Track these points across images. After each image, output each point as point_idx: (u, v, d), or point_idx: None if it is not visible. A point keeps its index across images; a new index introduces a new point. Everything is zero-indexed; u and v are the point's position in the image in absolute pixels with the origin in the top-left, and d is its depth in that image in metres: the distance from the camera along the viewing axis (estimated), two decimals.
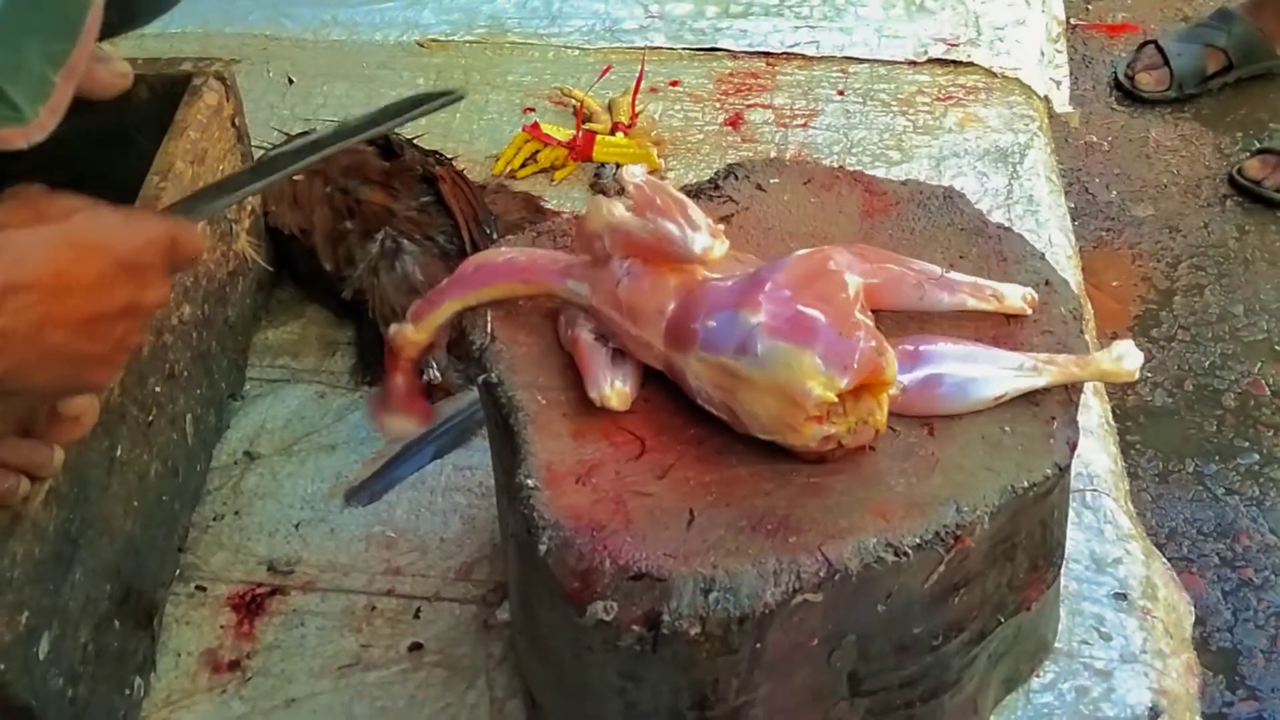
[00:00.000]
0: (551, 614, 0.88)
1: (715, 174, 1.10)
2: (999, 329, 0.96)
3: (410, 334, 0.98)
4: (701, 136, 1.60)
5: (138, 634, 1.05)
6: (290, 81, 1.67)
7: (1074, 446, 0.90)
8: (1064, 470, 0.90)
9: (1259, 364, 2.15)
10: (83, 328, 0.76)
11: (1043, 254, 1.03)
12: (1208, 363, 2.15)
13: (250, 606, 1.13)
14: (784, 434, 0.85)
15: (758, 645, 0.82)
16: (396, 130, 1.45)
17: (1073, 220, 1.57)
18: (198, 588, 1.14)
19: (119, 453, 1.01)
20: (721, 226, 0.90)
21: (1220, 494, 1.95)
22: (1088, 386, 1.21)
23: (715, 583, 0.80)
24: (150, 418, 1.07)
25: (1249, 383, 2.12)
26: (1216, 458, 2.00)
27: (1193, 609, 1.17)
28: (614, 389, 0.89)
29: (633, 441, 0.89)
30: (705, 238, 0.88)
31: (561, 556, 0.82)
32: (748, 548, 0.81)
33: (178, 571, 1.14)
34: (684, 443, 0.89)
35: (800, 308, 0.84)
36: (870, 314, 0.86)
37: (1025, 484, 0.86)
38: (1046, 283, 1.00)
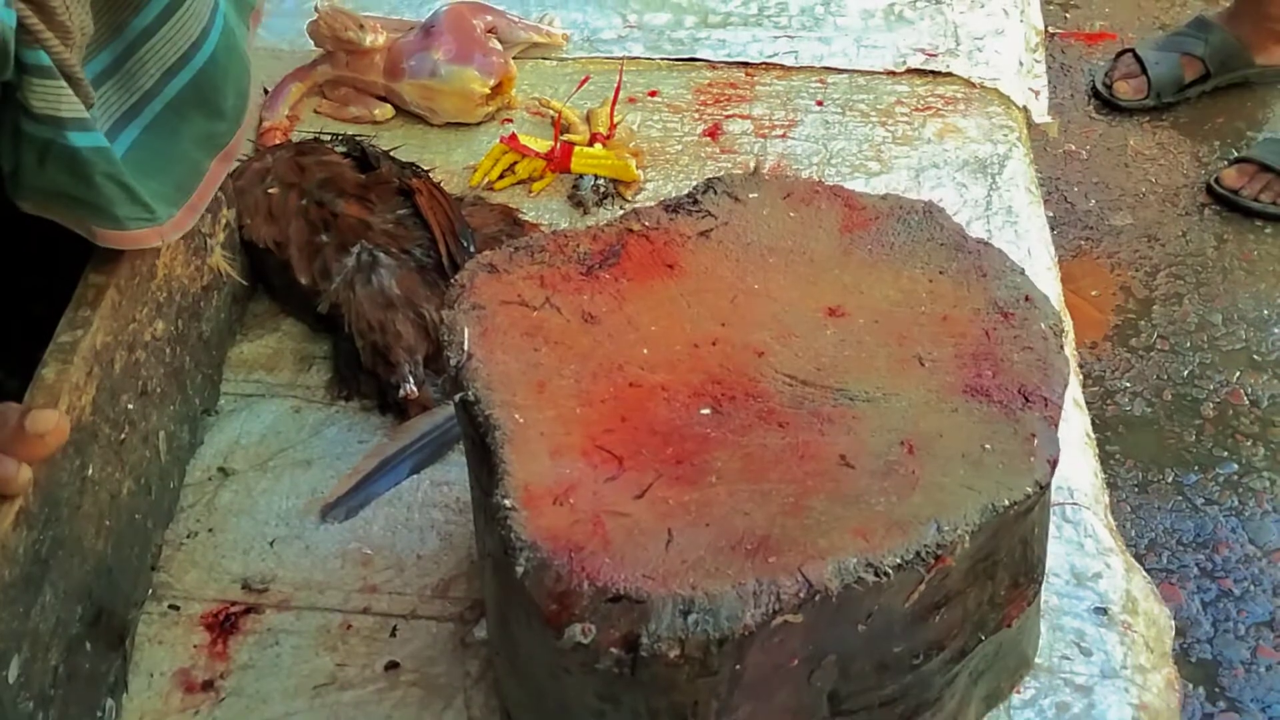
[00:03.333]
0: (529, 635, 0.88)
1: (694, 188, 1.09)
2: (979, 346, 0.96)
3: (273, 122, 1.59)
4: (680, 147, 1.60)
5: (109, 655, 1.04)
6: (265, 92, 1.65)
7: (1055, 464, 0.90)
8: (1045, 488, 0.89)
9: (1237, 373, 2.15)
10: None
11: (1023, 269, 1.03)
12: (1186, 372, 2.16)
13: (224, 625, 1.11)
14: (464, 117, 1.61)
15: (737, 667, 0.81)
16: (372, 142, 1.45)
17: (1052, 230, 1.57)
18: (171, 607, 1.12)
19: (90, 471, 1.00)
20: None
21: (1200, 504, 1.95)
22: (1068, 399, 1.21)
23: (694, 604, 0.79)
24: (122, 435, 1.06)
25: (1228, 392, 2.12)
26: (1196, 468, 2.00)
27: (1173, 623, 1.17)
28: None
29: (610, 460, 0.88)
30: (369, 34, 1.60)
31: (539, 578, 0.81)
32: (727, 568, 0.81)
33: (150, 591, 1.13)
34: (662, 462, 0.88)
35: (459, 43, 1.58)
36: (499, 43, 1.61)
37: (1006, 502, 0.86)
38: (1027, 298, 0.99)
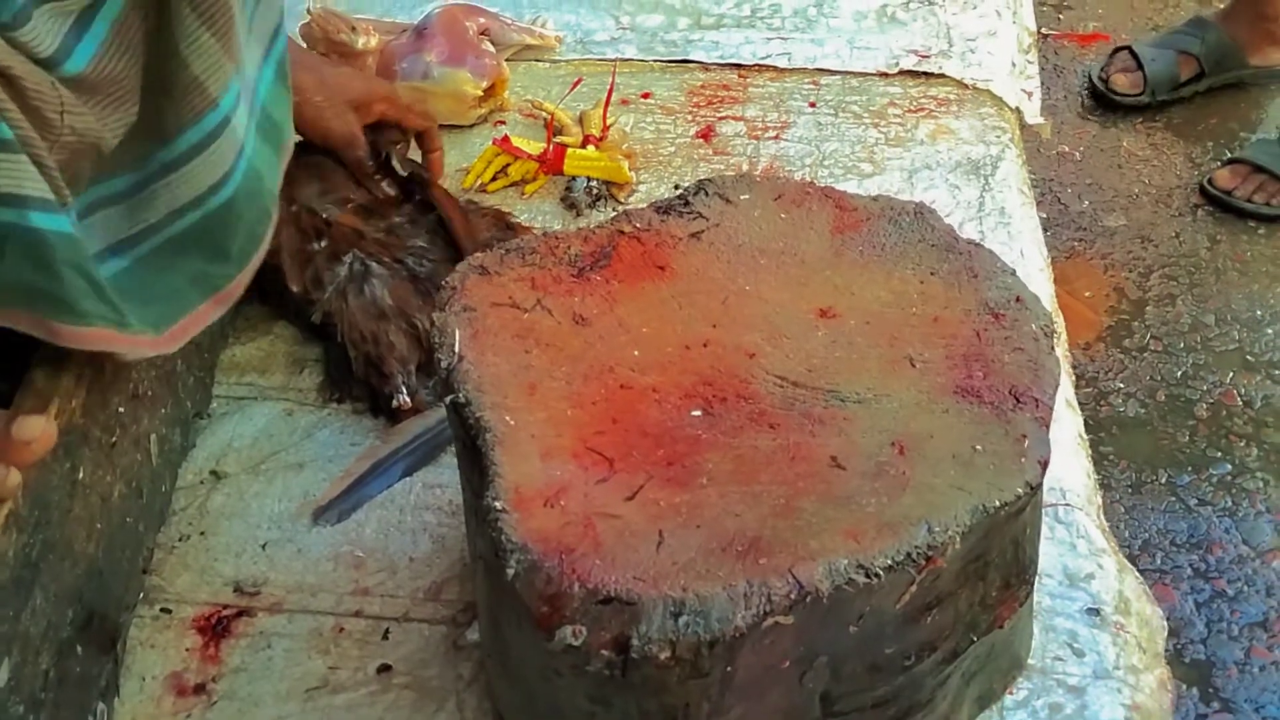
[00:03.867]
0: (520, 637, 0.88)
1: (685, 190, 1.09)
2: (970, 347, 0.96)
3: None
4: (673, 149, 1.60)
5: (101, 659, 1.04)
6: None
7: (1046, 464, 0.90)
8: (1036, 489, 0.89)
9: (1231, 374, 2.15)
10: None
11: (1014, 270, 1.03)
12: (1180, 373, 2.16)
13: (216, 629, 1.11)
14: (457, 119, 1.60)
15: (729, 668, 0.81)
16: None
17: (1045, 231, 1.57)
18: (162, 610, 1.12)
19: (81, 475, 1.00)
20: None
21: (1193, 505, 1.95)
22: (1061, 400, 1.21)
23: (685, 606, 0.79)
24: (113, 439, 1.06)
25: (1221, 393, 2.12)
26: (1189, 468, 2.00)
27: (1166, 623, 1.17)
28: None
29: (601, 462, 0.88)
30: (362, 37, 1.58)
31: (530, 580, 0.81)
32: (718, 570, 0.81)
33: (142, 594, 1.13)
34: (653, 463, 0.88)
35: (452, 46, 1.58)
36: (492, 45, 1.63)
37: (997, 503, 0.86)
38: (1018, 299, 0.99)
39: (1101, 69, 2.74)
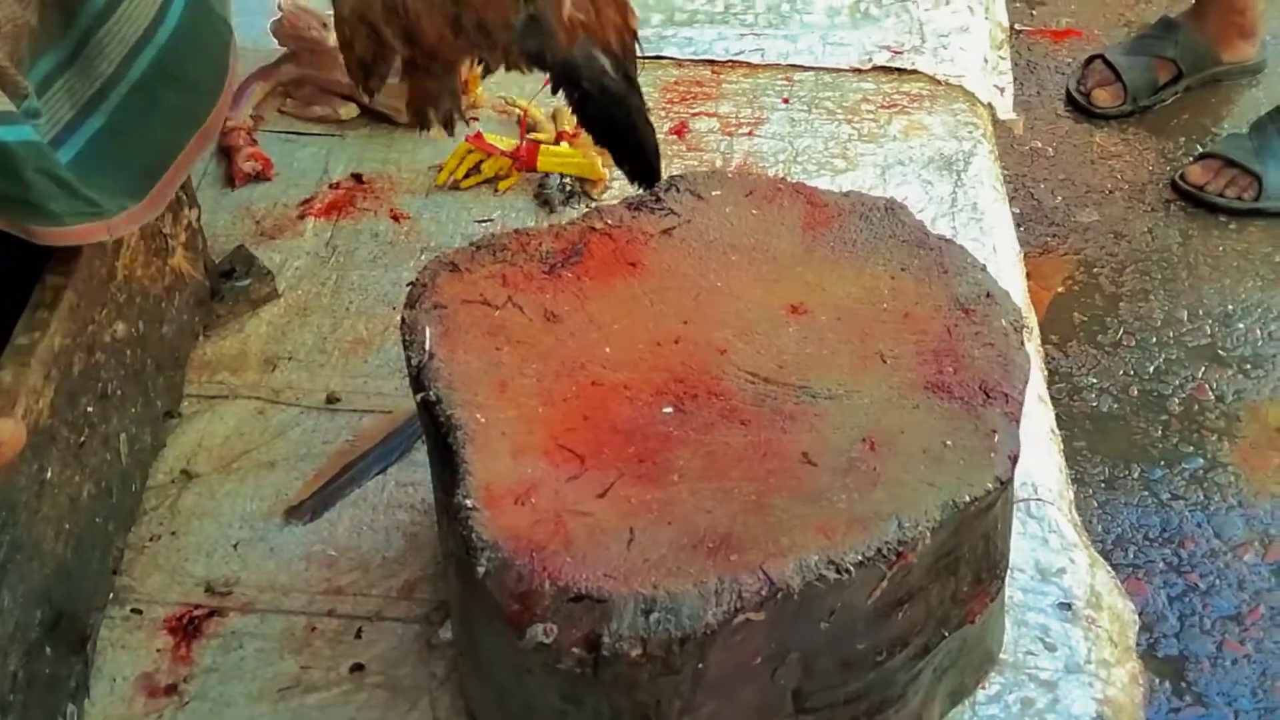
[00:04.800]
0: (492, 635, 0.87)
1: (656, 186, 1.09)
2: (940, 342, 0.96)
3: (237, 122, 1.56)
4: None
5: (70, 660, 1.03)
6: None
7: (1015, 459, 0.90)
8: (1006, 484, 0.89)
9: (1203, 368, 2.17)
10: None
11: (984, 265, 1.03)
12: (1153, 368, 2.17)
13: (187, 629, 1.11)
14: None
15: (700, 665, 0.81)
16: None
17: (1018, 226, 1.58)
18: (133, 611, 1.12)
19: (49, 475, 0.99)
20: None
21: (1166, 499, 1.96)
22: (1033, 394, 1.21)
23: (656, 603, 0.79)
24: (82, 439, 1.05)
25: (1193, 387, 2.14)
26: (1162, 463, 2.01)
27: (1137, 618, 1.17)
28: None
29: (572, 460, 0.88)
30: (332, 34, 1.44)
31: (500, 578, 0.80)
32: (689, 567, 0.81)
33: (112, 595, 1.12)
34: (624, 460, 0.88)
35: None
36: None
37: (967, 498, 0.86)
38: (988, 294, 1.00)
39: (1079, 82, 2.75)
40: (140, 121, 1.01)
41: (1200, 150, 2.62)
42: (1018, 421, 0.92)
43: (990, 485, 0.87)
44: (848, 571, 0.82)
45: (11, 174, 0.91)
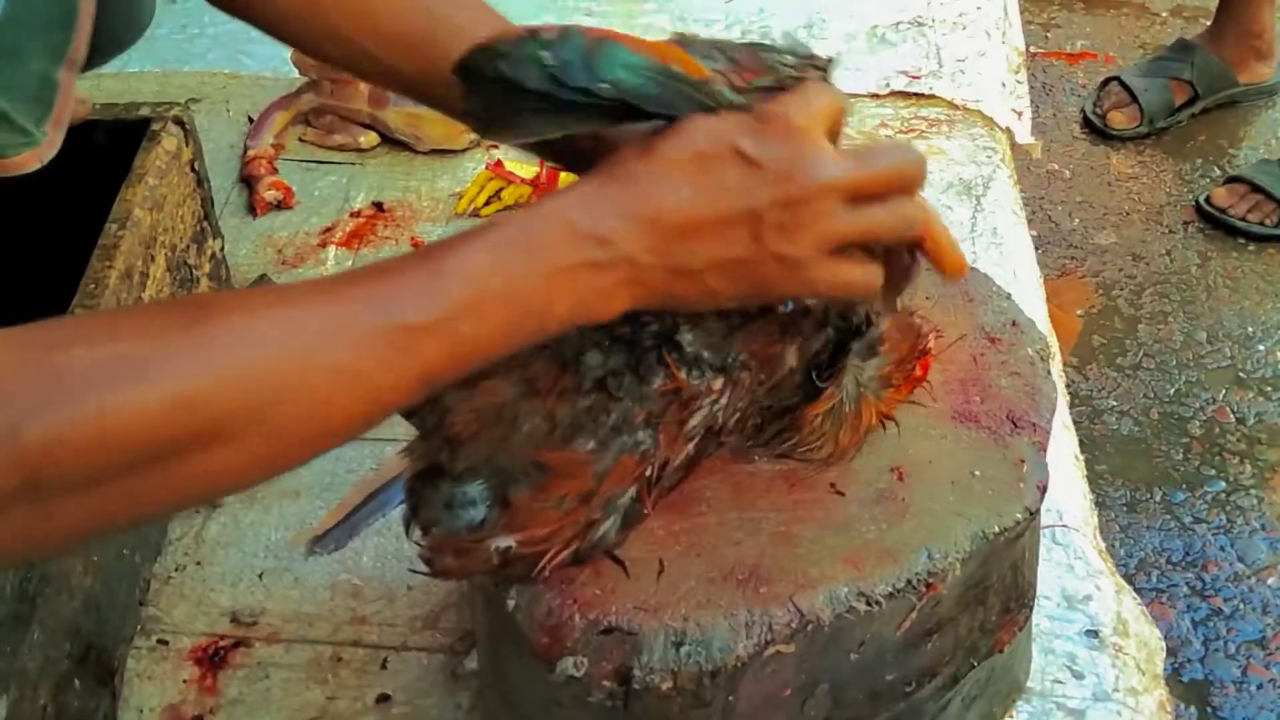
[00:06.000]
0: (520, 668, 0.87)
1: None
2: (967, 371, 0.96)
3: (258, 150, 1.59)
4: None
5: (99, 692, 1.03)
6: (250, 120, 1.66)
7: (1044, 489, 0.90)
8: (1034, 514, 0.89)
9: (1223, 391, 2.16)
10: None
11: (1009, 294, 1.03)
12: (1173, 390, 2.16)
13: (213, 660, 1.11)
14: (449, 144, 1.61)
15: (730, 698, 0.81)
16: None
17: (1036, 249, 1.58)
18: (159, 641, 1.12)
19: None
20: None
21: (1188, 523, 1.95)
22: (1057, 420, 1.21)
23: (686, 636, 0.79)
24: None
25: (1214, 410, 2.13)
26: (1184, 486, 2.01)
27: (1164, 644, 1.17)
28: None
29: None
30: None
31: (530, 611, 0.80)
32: (719, 599, 0.80)
33: (139, 626, 1.12)
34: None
35: None
36: None
37: (996, 529, 0.86)
38: (1013, 323, 1.00)
39: (1095, 104, 2.75)
40: (15, 58, 0.98)
41: (1217, 171, 2.62)
42: (1045, 451, 0.92)
43: (1019, 516, 0.87)
44: (878, 603, 0.82)
45: None
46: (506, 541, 0.78)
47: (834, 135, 0.75)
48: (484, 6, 0.93)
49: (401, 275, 0.67)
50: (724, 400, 0.82)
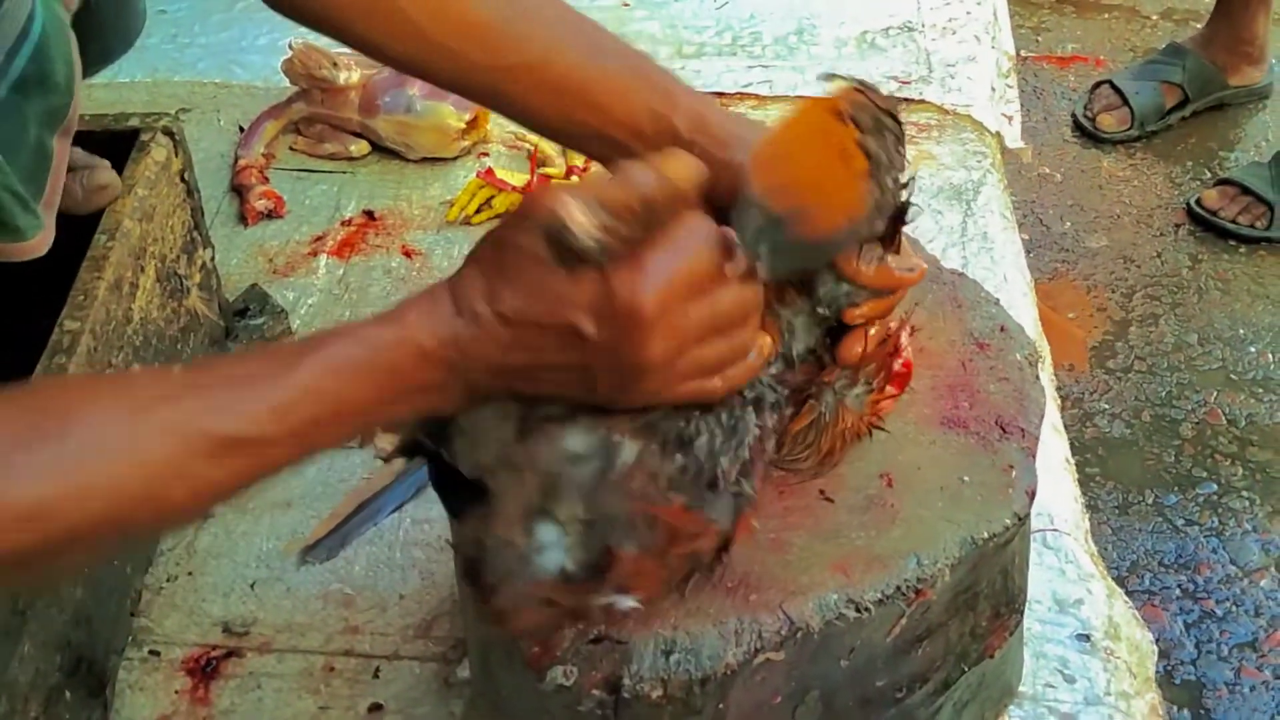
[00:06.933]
0: (511, 677, 0.87)
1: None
2: (955, 377, 0.96)
3: (249, 159, 1.59)
4: None
5: (90, 703, 1.03)
6: (241, 129, 1.66)
7: (1033, 495, 0.90)
8: (1024, 519, 0.90)
9: (1215, 393, 2.16)
10: None
11: (998, 299, 1.03)
12: (1164, 393, 2.17)
13: (205, 670, 1.11)
14: (440, 152, 1.61)
15: (720, 705, 0.81)
16: None
17: (1027, 252, 1.58)
18: (151, 652, 1.12)
19: None
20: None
21: (1180, 525, 1.95)
22: (1045, 423, 1.21)
23: (676, 644, 0.79)
24: None
25: (1205, 412, 2.13)
26: (1175, 488, 2.01)
27: (1155, 647, 1.17)
28: None
29: None
30: (344, 72, 1.59)
31: None
32: (708, 607, 0.81)
33: (130, 637, 1.12)
34: None
35: None
36: None
37: (985, 535, 0.86)
38: (1002, 328, 1.00)
39: (1086, 107, 2.75)
40: (18, 120, 1.00)
41: (1208, 174, 2.62)
42: (1034, 456, 0.92)
43: (1008, 521, 0.87)
44: (867, 609, 0.82)
45: None
46: (628, 602, 0.76)
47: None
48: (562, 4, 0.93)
49: (250, 387, 0.70)
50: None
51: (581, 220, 0.69)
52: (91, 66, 1.17)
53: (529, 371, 0.73)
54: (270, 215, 1.55)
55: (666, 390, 0.75)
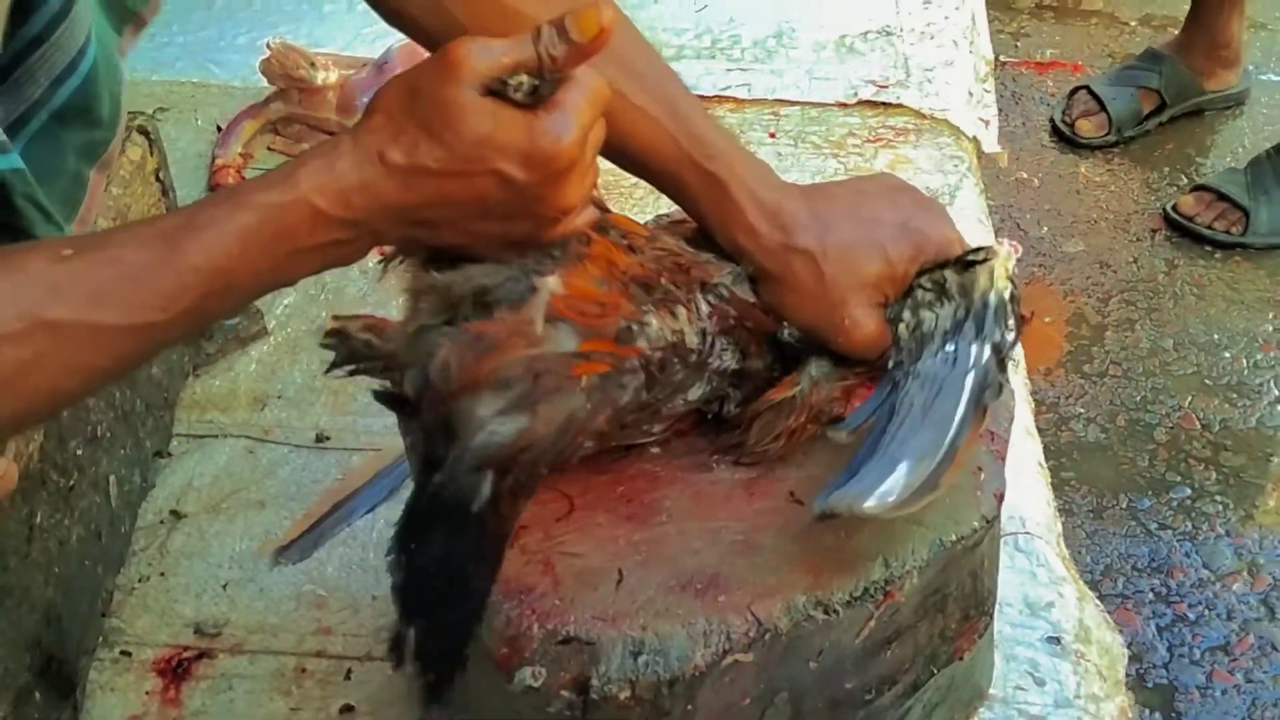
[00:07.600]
0: (480, 679, 0.87)
1: (645, 225, 1.09)
2: None
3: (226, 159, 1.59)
4: (636, 181, 1.60)
5: (60, 704, 1.03)
6: (219, 129, 1.65)
7: (1001, 498, 0.90)
8: (992, 522, 0.90)
9: (1189, 398, 2.18)
10: None
11: None
12: (1139, 397, 2.18)
13: (177, 671, 1.10)
14: None
15: (689, 707, 0.81)
16: None
17: None
18: (122, 653, 1.11)
19: (38, 519, 0.99)
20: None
21: (1154, 529, 1.97)
22: (1019, 426, 1.22)
23: (645, 645, 0.79)
24: (71, 482, 1.05)
25: (1180, 417, 2.14)
26: (1149, 493, 2.02)
27: (1126, 650, 1.18)
28: None
29: (560, 500, 0.88)
30: (321, 72, 1.60)
31: (489, 621, 0.81)
32: (677, 608, 0.81)
33: (101, 637, 1.12)
34: (612, 501, 0.88)
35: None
36: None
37: (954, 537, 0.87)
38: None
39: (1064, 112, 2.77)
40: (55, 148, 1.01)
41: (1185, 180, 2.64)
42: (1004, 459, 0.93)
43: (976, 524, 0.88)
44: (835, 611, 0.82)
45: (5, 202, 0.91)
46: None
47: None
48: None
49: (139, 277, 0.70)
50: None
51: (507, 64, 0.73)
52: None
53: (445, 221, 0.75)
54: None
55: (569, 228, 0.79)
